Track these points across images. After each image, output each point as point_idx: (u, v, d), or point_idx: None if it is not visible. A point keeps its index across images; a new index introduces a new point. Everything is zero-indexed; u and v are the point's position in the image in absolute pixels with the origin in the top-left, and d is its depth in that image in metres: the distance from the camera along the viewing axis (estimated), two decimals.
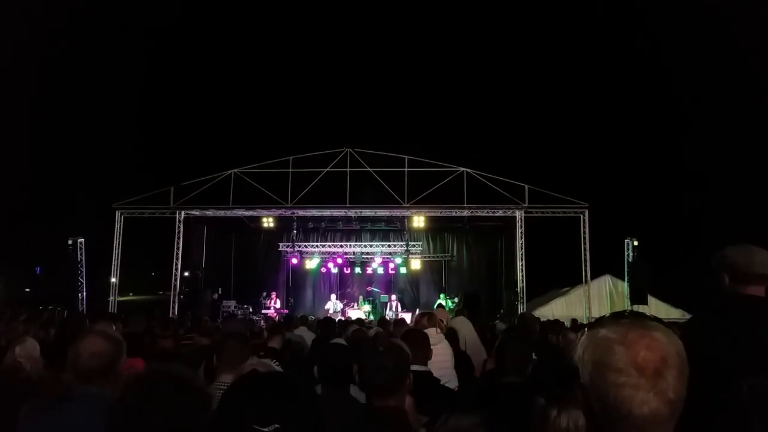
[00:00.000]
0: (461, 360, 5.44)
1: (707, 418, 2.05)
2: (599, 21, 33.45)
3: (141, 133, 36.91)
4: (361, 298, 21.13)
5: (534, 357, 3.81)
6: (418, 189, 18.69)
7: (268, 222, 20.62)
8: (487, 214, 19.67)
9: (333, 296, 20.87)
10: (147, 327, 8.83)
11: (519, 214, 19.00)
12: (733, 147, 26.97)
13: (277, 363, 5.07)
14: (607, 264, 19.97)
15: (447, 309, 16.19)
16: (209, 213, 20.38)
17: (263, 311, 19.82)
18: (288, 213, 20.08)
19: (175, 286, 19.61)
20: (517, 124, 33.38)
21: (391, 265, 22.27)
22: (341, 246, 23.13)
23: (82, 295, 19.00)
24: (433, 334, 4.91)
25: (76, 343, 2.49)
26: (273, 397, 1.34)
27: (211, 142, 35.05)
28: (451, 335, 5.91)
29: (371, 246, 23.00)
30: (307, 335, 7.76)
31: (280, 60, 40.72)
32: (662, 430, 1.13)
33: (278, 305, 20.48)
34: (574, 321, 13.56)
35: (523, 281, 18.83)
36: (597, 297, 19.42)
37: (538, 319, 7.77)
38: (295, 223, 21.47)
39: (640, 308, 16.46)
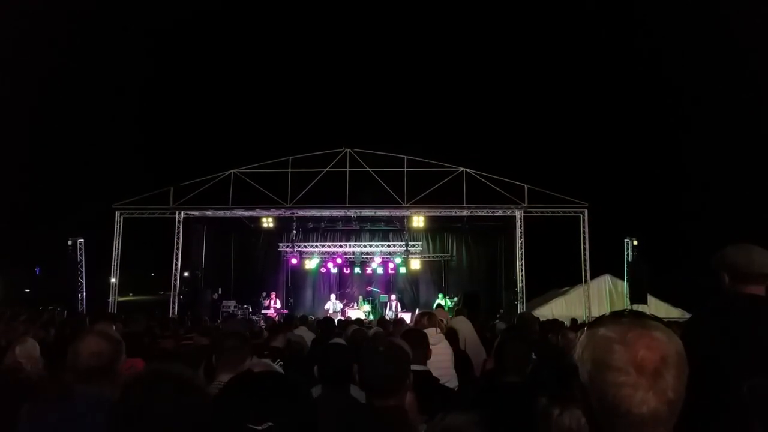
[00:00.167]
0: (461, 360, 5.45)
1: (707, 418, 2.05)
2: (599, 20, 33.45)
3: (141, 133, 36.89)
4: (360, 298, 21.14)
5: (533, 356, 3.82)
6: (417, 189, 18.70)
7: (267, 222, 20.63)
8: (486, 214, 19.68)
9: (333, 296, 20.87)
10: (147, 327, 8.84)
11: (518, 214, 19.01)
12: (732, 147, 26.98)
13: (281, 362, 5.10)
14: (606, 263, 19.99)
15: (446, 308, 16.21)
16: (209, 213, 20.39)
17: (263, 311, 19.83)
18: (287, 213, 20.09)
19: (174, 286, 19.61)
20: (517, 123, 33.38)
21: (391, 265, 22.27)
22: (341, 246, 23.14)
23: (82, 295, 19.02)
24: (433, 333, 4.92)
25: (76, 343, 2.50)
26: (267, 396, 1.35)
27: (211, 142, 35.03)
28: (451, 335, 5.91)
29: (371, 246, 23.00)
30: (306, 335, 7.76)
31: (279, 60, 40.70)
32: (661, 429, 1.13)
33: (278, 305, 20.48)
34: (573, 320, 13.54)
35: (522, 281, 18.83)
36: (597, 297, 19.42)
37: (538, 318, 7.77)
38: (294, 223, 21.47)
39: (639, 308, 16.47)
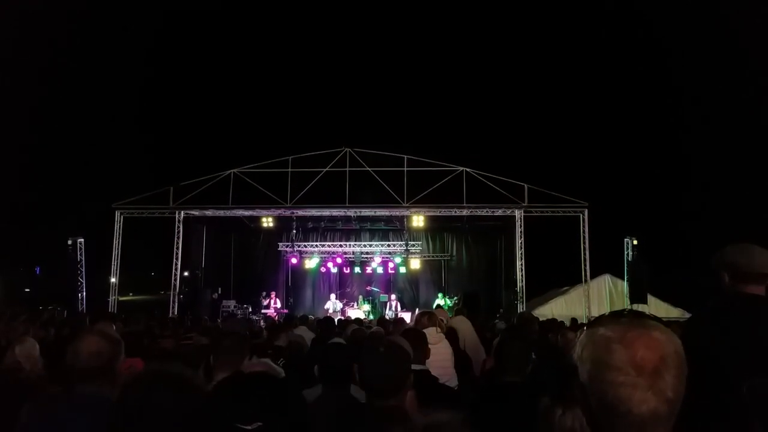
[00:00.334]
0: (461, 359, 5.45)
1: (707, 417, 2.05)
2: (599, 20, 33.45)
3: (140, 133, 36.91)
4: (360, 297, 21.14)
5: (533, 356, 3.81)
6: (417, 188, 18.70)
7: (267, 222, 20.64)
8: (486, 214, 19.69)
9: (332, 296, 20.87)
10: (147, 327, 8.84)
11: (518, 214, 19.01)
12: (733, 146, 26.99)
13: (283, 361, 5.10)
14: (606, 263, 19.99)
15: (446, 308, 16.21)
16: (209, 213, 20.39)
17: (263, 311, 19.83)
18: (287, 213, 20.09)
19: (174, 285, 19.62)
20: (517, 123, 33.39)
21: (391, 265, 22.26)
22: (341, 246, 23.13)
23: (81, 295, 19.02)
24: (433, 333, 4.92)
25: (75, 342, 2.49)
26: (257, 397, 1.36)
27: (211, 142, 35.04)
28: (451, 335, 5.91)
29: (371, 246, 23.00)
30: (307, 335, 7.76)
31: (279, 60, 40.70)
32: (661, 429, 1.13)
33: (278, 305, 20.48)
34: (573, 320, 13.53)
35: (522, 280, 18.83)
36: (597, 296, 19.41)
37: (537, 318, 7.78)
38: (294, 223, 21.47)
39: (639, 307, 16.47)
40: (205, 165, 22.26)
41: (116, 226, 19.45)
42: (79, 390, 2.39)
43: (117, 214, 19.47)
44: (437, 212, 19.86)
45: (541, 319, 8.79)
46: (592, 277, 19.34)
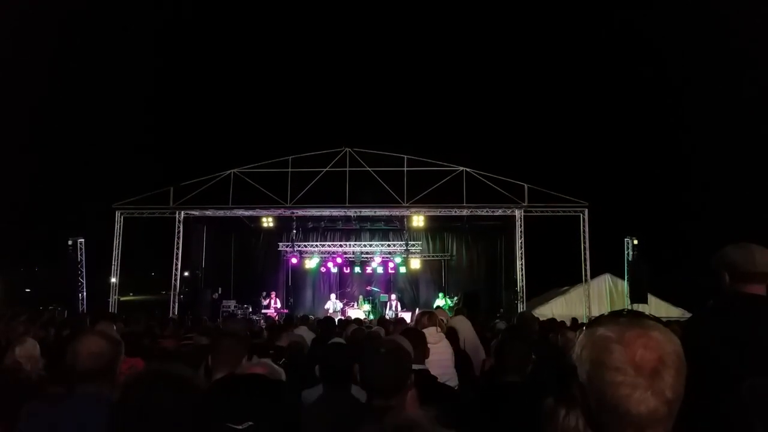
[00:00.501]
0: (461, 359, 5.45)
1: (707, 418, 2.05)
2: (599, 20, 33.45)
3: (141, 133, 36.92)
4: (360, 297, 21.13)
5: (533, 356, 3.81)
6: (417, 188, 18.70)
7: (267, 222, 20.64)
8: (486, 214, 19.69)
9: (333, 296, 20.86)
10: (147, 327, 8.85)
11: (518, 213, 19.01)
12: (733, 146, 26.98)
13: (284, 361, 5.11)
14: (607, 263, 19.99)
15: (446, 308, 16.21)
16: (209, 213, 20.40)
17: (263, 311, 19.83)
18: (287, 213, 20.09)
19: (175, 286, 19.61)
20: (517, 123, 33.39)
21: (391, 265, 22.26)
22: (341, 246, 23.13)
23: (82, 295, 19.01)
24: (434, 333, 4.93)
25: (75, 343, 2.50)
26: (248, 398, 1.36)
27: (211, 142, 35.05)
28: (451, 334, 5.92)
29: (371, 245, 22.99)
30: (307, 335, 7.77)
31: (279, 60, 40.69)
32: (660, 429, 1.13)
33: (278, 305, 20.49)
34: (574, 320, 13.54)
35: (522, 280, 18.83)
36: (597, 296, 19.41)
37: (537, 318, 7.77)
38: (294, 223, 21.47)
39: (640, 307, 16.47)
40: (205, 165, 22.29)
41: (116, 226, 19.45)
42: (79, 390, 2.40)
43: (117, 214, 19.46)
44: (437, 212, 19.86)
45: (541, 319, 8.79)
46: (593, 276, 19.34)
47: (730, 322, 2.61)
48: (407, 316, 16.89)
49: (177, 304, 19.40)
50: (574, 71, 34.32)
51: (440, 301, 19.46)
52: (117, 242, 19.53)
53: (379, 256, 22.39)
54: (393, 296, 20.78)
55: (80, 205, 28.63)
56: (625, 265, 18.71)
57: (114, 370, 2.49)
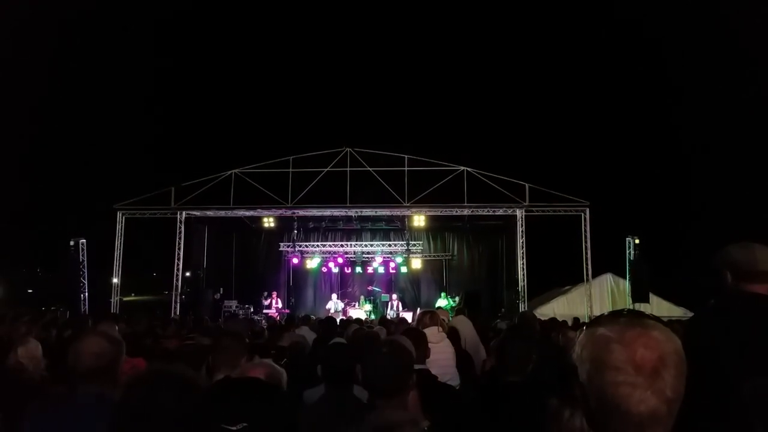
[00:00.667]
0: (462, 358, 5.46)
1: (708, 417, 2.05)
2: (600, 20, 33.43)
3: (142, 134, 36.96)
4: (362, 297, 21.12)
5: (535, 356, 3.81)
6: (418, 188, 18.69)
7: (268, 222, 20.64)
8: (487, 213, 19.67)
9: (334, 296, 20.86)
10: (149, 327, 8.86)
11: (520, 213, 18.99)
12: (734, 145, 26.96)
13: (286, 362, 5.12)
14: (608, 262, 19.95)
15: (448, 308, 16.21)
16: (210, 213, 20.40)
17: (264, 311, 19.83)
18: (288, 213, 20.09)
19: (176, 286, 19.62)
20: (518, 122, 33.38)
21: (392, 265, 22.26)
22: (342, 245, 23.13)
23: (84, 295, 19.02)
24: (435, 332, 4.93)
25: (77, 343, 2.51)
26: (243, 400, 1.37)
27: (212, 142, 35.08)
28: (453, 334, 5.93)
29: (372, 245, 22.99)
30: (308, 335, 7.77)
31: (280, 60, 40.73)
32: (660, 428, 1.13)
33: (279, 305, 20.50)
34: (575, 320, 13.53)
35: (524, 280, 18.82)
36: (598, 295, 19.38)
37: (537, 318, 7.76)
38: (295, 223, 21.48)
39: (641, 307, 16.46)
40: (206, 165, 22.32)
41: (118, 227, 19.46)
42: (81, 390, 2.41)
43: (119, 214, 19.48)
44: (438, 212, 19.85)
45: (542, 319, 8.78)
46: (594, 276, 19.30)
47: (732, 322, 2.61)
48: (408, 316, 16.90)
49: (178, 304, 19.40)
50: (575, 71, 34.31)
51: (442, 301, 19.44)
52: (118, 243, 19.55)
53: (380, 256, 22.39)
54: (394, 296, 20.77)
55: (82, 206, 28.66)
56: (627, 264, 18.68)
57: (116, 370, 2.49)
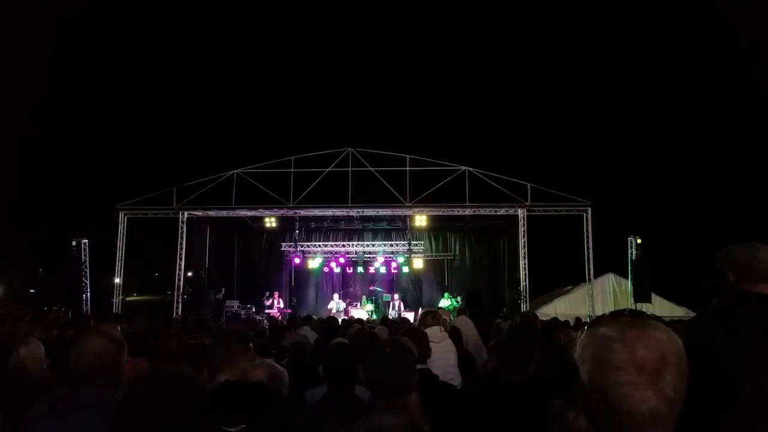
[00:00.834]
0: (464, 358, 5.46)
1: (710, 418, 2.04)
2: (600, 20, 33.40)
3: (144, 134, 36.99)
4: (364, 297, 21.13)
5: (537, 356, 3.80)
6: (420, 188, 18.68)
7: (270, 222, 20.63)
8: (489, 213, 19.65)
9: (336, 296, 20.84)
10: (150, 327, 8.85)
11: (521, 213, 18.98)
12: (735, 145, 26.93)
13: (287, 361, 5.12)
14: (610, 262, 19.92)
15: (452, 308, 16.21)
16: (212, 213, 20.41)
17: (266, 311, 19.84)
18: (290, 213, 20.09)
19: (178, 286, 19.63)
20: (520, 122, 33.37)
21: (394, 265, 22.25)
22: (343, 245, 23.13)
23: (86, 295, 19.03)
24: (437, 332, 4.93)
25: (79, 343, 2.51)
26: (243, 403, 1.38)
27: (214, 142, 35.11)
28: (455, 334, 5.93)
29: (373, 245, 22.99)
30: (310, 335, 7.77)
31: (281, 60, 40.76)
32: (662, 428, 1.13)
33: (281, 305, 20.51)
34: (578, 319, 13.52)
35: (525, 280, 18.81)
36: (600, 295, 19.37)
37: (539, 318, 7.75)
38: (297, 223, 21.50)
39: (643, 306, 16.44)
40: (208, 166, 22.31)
41: (120, 227, 19.48)
42: (83, 390, 2.41)
43: (121, 214, 19.50)
44: (440, 212, 19.83)
45: (543, 319, 8.78)
46: (596, 276, 19.27)
47: (734, 322, 2.60)
48: (410, 316, 16.91)
49: (180, 304, 19.41)
50: (576, 71, 34.29)
51: (446, 302, 19.44)
52: (121, 243, 19.56)
53: (382, 255, 22.39)
54: (396, 296, 20.76)
55: (84, 206, 28.68)
56: (629, 264, 18.65)
57: (117, 370, 2.49)
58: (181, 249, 19.81)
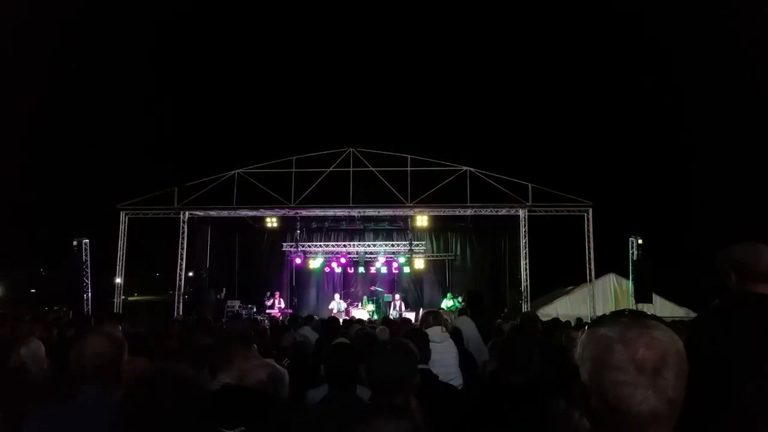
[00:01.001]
0: (465, 359, 5.45)
1: (711, 418, 2.04)
2: (601, 20, 33.38)
3: (145, 134, 37.02)
4: (365, 297, 21.13)
5: (538, 356, 3.80)
6: (421, 188, 18.68)
7: (271, 222, 20.62)
8: (490, 213, 19.63)
9: (337, 296, 20.84)
10: (152, 327, 8.85)
11: (522, 213, 18.96)
12: (735, 145, 26.92)
13: (288, 362, 5.12)
14: (611, 262, 19.92)
15: (454, 308, 16.19)
16: (213, 213, 20.40)
17: (267, 311, 19.84)
18: (291, 213, 20.08)
19: (179, 286, 19.64)
20: (521, 122, 33.37)
21: (395, 265, 22.25)
22: (345, 246, 23.13)
23: (87, 295, 19.04)
24: (439, 332, 4.93)
25: (79, 343, 2.51)
26: (241, 405, 1.39)
27: (215, 142, 35.13)
28: (456, 334, 5.93)
29: (374, 245, 22.99)
30: (311, 335, 7.77)
31: (282, 60, 40.78)
32: (662, 428, 1.13)
33: (282, 305, 20.51)
34: (578, 320, 13.52)
35: (526, 280, 18.79)
36: (601, 296, 19.36)
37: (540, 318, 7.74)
38: (298, 223, 21.48)
39: (644, 307, 16.43)
40: (209, 165, 22.38)
41: (121, 227, 19.48)
42: (83, 390, 2.41)
43: (122, 214, 19.50)
44: (441, 212, 19.81)
45: (544, 319, 8.77)
46: (597, 276, 19.26)
47: (735, 323, 2.59)
48: (411, 317, 16.91)
49: (182, 304, 19.42)
50: (578, 72, 34.28)
51: (448, 302, 19.43)
52: (122, 243, 19.57)
53: (383, 256, 22.39)
54: (397, 296, 20.76)
55: (85, 206, 28.71)
56: (630, 264, 18.64)
57: (117, 369, 2.50)
58: (182, 249, 19.81)
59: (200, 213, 20.24)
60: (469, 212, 19.77)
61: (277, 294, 20.96)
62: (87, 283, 19.09)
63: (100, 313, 14.97)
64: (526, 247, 18.99)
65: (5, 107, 26.87)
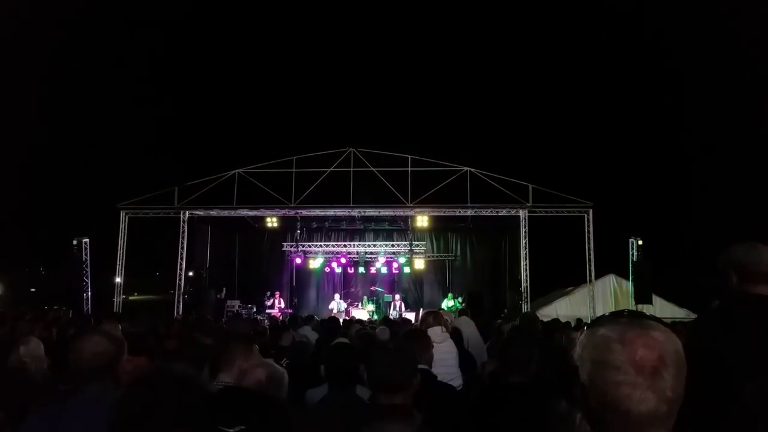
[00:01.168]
0: (465, 359, 5.46)
1: (711, 418, 2.04)
2: (601, 20, 33.39)
3: (145, 133, 37.03)
4: (365, 298, 21.12)
5: (538, 356, 3.80)
6: (421, 188, 18.69)
7: (271, 222, 20.61)
8: (490, 214, 19.63)
9: (337, 296, 20.83)
10: (151, 326, 8.85)
11: (523, 214, 18.96)
12: (736, 146, 26.92)
13: (287, 361, 5.12)
14: (611, 263, 19.92)
15: (454, 308, 16.18)
16: (213, 213, 20.40)
17: (267, 311, 19.84)
18: (292, 213, 20.08)
19: (179, 286, 19.63)
20: (521, 123, 33.37)
21: (395, 265, 22.24)
22: (345, 246, 23.12)
23: (87, 295, 19.04)
24: (439, 332, 4.93)
25: (78, 342, 2.51)
26: (241, 405, 1.39)
27: (215, 142, 35.15)
28: (456, 335, 5.93)
29: (375, 246, 22.99)
30: (311, 335, 7.78)
31: (283, 60, 40.78)
32: (661, 428, 1.13)
33: (282, 305, 20.50)
34: (578, 321, 13.52)
35: (527, 281, 18.79)
36: (601, 296, 19.35)
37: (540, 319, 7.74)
38: (298, 223, 21.48)
39: (644, 308, 16.42)
40: (209, 165, 22.38)
41: (121, 226, 19.48)
42: (83, 389, 2.41)
43: (122, 214, 19.50)
44: (441, 212, 19.81)
45: (544, 320, 8.77)
46: (597, 277, 19.26)
47: (736, 323, 2.59)
48: (411, 317, 16.90)
49: (181, 303, 19.41)
50: (578, 72, 34.28)
51: (449, 302, 19.42)
52: (122, 242, 19.57)
53: (383, 256, 22.39)
54: (397, 296, 20.74)
55: (85, 205, 28.72)
56: (630, 265, 18.63)
57: (117, 369, 2.50)
58: (182, 248, 19.81)
59: (200, 212, 20.24)
60: (469, 213, 19.76)
61: (277, 294, 20.95)
62: (87, 283, 19.09)
63: (100, 313, 14.98)
64: (526, 248, 18.99)
65: (5, 107, 26.88)
